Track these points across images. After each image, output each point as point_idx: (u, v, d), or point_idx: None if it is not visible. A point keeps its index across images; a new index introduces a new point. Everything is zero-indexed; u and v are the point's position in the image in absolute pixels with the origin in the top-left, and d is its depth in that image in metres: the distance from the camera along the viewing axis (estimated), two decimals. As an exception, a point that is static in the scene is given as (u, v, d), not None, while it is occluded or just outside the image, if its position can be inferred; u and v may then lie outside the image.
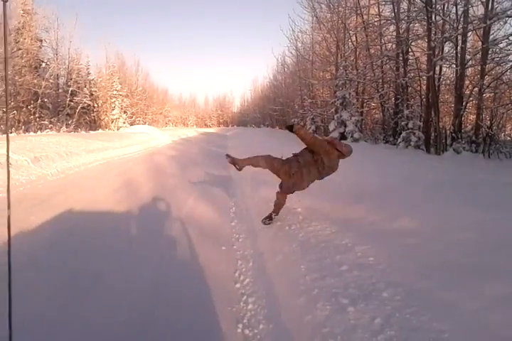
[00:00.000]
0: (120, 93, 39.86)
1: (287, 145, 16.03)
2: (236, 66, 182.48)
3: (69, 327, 2.98)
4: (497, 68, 12.63)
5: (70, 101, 30.65)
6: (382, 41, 18.92)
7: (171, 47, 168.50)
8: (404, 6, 16.68)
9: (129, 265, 4.24)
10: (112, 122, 38.59)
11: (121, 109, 40.39)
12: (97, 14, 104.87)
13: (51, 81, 29.38)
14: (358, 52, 21.40)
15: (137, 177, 10.00)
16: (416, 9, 15.13)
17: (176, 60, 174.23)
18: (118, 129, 37.27)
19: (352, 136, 18.86)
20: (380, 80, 19.39)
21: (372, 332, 2.53)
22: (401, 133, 15.40)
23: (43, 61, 28.45)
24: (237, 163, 5.65)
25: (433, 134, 14.21)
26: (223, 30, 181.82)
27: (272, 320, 3.09)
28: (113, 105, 38.74)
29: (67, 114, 30.49)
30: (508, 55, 11.79)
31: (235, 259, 4.53)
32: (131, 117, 45.12)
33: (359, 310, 2.80)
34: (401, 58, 16.86)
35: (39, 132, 24.23)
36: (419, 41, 16.95)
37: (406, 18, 15.98)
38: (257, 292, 3.62)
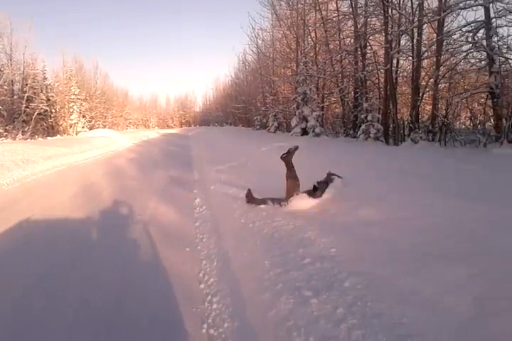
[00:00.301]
0: (78, 97, 38.99)
1: (249, 142, 16.05)
2: (197, 65, 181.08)
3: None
4: (451, 59, 12.96)
5: (26, 107, 29.71)
6: (341, 36, 19.15)
7: (129, 48, 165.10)
8: (361, 0, 16.94)
9: (88, 270, 4.15)
10: (71, 127, 37.64)
11: (80, 113, 39.50)
12: (52, 18, 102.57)
13: (5, 87, 28.52)
14: (317, 48, 21.62)
15: (97, 181, 9.81)
16: (373, 4, 15.42)
17: (135, 60, 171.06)
18: (77, 134, 36.36)
19: (313, 131, 19.03)
20: (340, 75, 19.63)
21: (335, 321, 2.57)
22: (361, 126, 15.64)
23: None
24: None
25: (391, 125, 14.53)
26: (184, 29, 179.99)
27: (237, 318, 3.09)
28: (71, 110, 37.85)
29: (23, 121, 29.51)
30: (461, 46, 12.13)
31: (199, 259, 4.48)
32: (91, 121, 44.04)
33: (322, 301, 2.83)
34: (359, 52, 17.14)
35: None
36: (376, 35, 17.30)
37: (363, 12, 16.27)
38: (221, 291, 3.61)
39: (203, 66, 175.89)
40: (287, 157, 5.86)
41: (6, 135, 26.31)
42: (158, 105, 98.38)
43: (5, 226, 5.78)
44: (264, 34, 30.04)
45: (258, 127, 32.90)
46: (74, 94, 38.22)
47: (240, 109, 43.89)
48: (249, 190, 6.11)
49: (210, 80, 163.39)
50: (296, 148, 5.99)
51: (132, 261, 4.50)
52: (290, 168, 5.83)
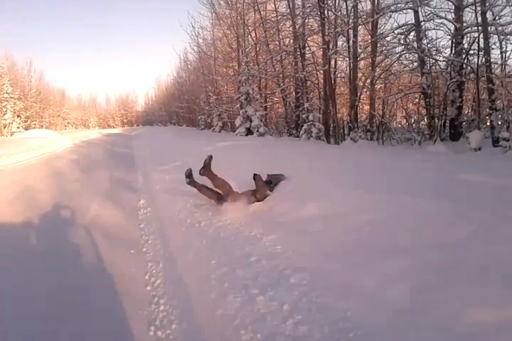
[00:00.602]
0: (12, 96, 37.04)
1: (194, 142, 15.91)
2: (138, 64, 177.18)
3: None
4: (386, 60, 13.49)
5: (-47, 106, 27.93)
6: (280, 36, 19.36)
7: (66, 47, 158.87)
8: (298, 1, 17.21)
9: (26, 276, 3.94)
10: (5, 127, 35.76)
11: (14, 112, 37.57)
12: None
13: None
14: (258, 48, 21.71)
15: (35, 184, 9.35)
16: (310, 5, 15.67)
17: (71, 59, 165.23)
18: (12, 135, 34.60)
19: (258, 131, 19.16)
20: (281, 75, 19.83)
21: (282, 318, 2.63)
22: (303, 126, 15.89)
23: None
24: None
25: (332, 125, 14.87)
26: (123, 26, 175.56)
27: (184, 319, 3.07)
28: (4, 109, 35.91)
29: (-50, 121, 27.76)
30: (394, 47, 12.65)
31: (144, 262, 4.40)
32: (26, 121, 42.08)
33: (268, 298, 2.89)
34: (299, 53, 17.38)
35: None
36: (314, 36, 17.60)
37: (301, 13, 16.51)
38: (168, 292, 3.57)
39: (143, 65, 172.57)
40: (205, 170, 6.11)
41: None
42: (98, 104, 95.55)
43: None
44: (204, 33, 29.88)
45: (203, 127, 32.67)
46: (7, 93, 36.28)
47: (184, 109, 43.39)
48: (190, 169, 6.23)
49: (151, 79, 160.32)
50: (211, 157, 6.25)
51: (74, 264, 4.31)
52: (213, 178, 6.02)
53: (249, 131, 20.03)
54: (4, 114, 35.78)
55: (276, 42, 19.93)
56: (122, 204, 7.15)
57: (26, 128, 39.56)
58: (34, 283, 3.80)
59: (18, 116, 38.79)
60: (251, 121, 19.84)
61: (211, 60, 28.84)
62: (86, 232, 5.38)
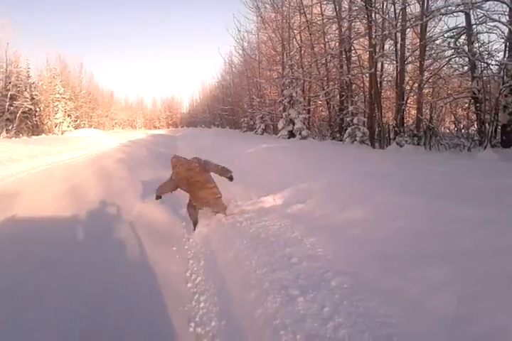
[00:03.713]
0: (63, 96, 38.51)
1: (236, 144, 16.03)
2: (184, 66, 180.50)
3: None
4: (435, 64, 13.10)
5: (10, 105, 29.23)
6: (326, 39, 19.23)
7: (115, 49, 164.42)
8: (345, 5, 17.04)
9: (73, 270, 4.10)
10: (56, 126, 37.22)
11: (65, 112, 39.03)
12: (35, 16, 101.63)
13: (-13, 85, 27.88)
14: (302, 51, 21.66)
15: (83, 181, 9.69)
16: (356, 8, 15.45)
17: (120, 61, 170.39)
18: (62, 133, 35.97)
19: (300, 134, 19.09)
20: (325, 78, 19.71)
21: (322, 320, 2.59)
22: (347, 129, 15.72)
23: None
24: None
25: (377, 129, 14.62)
26: (170, 30, 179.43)
27: (224, 317, 3.10)
28: (56, 109, 37.38)
29: (7, 119, 29.05)
30: (443, 51, 12.28)
31: (186, 259, 4.51)
32: (76, 121, 43.62)
33: (308, 300, 2.85)
34: (344, 56, 17.25)
35: (-24, 138, 23.05)
36: (360, 39, 17.39)
37: (347, 16, 16.32)
38: (208, 290, 3.62)
39: (189, 67, 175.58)
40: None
41: (-10, 133, 25.90)
42: (145, 106, 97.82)
43: None
44: (249, 36, 30.12)
45: (245, 129, 32.88)
46: (58, 93, 37.77)
47: (227, 111, 43.75)
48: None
49: (196, 82, 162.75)
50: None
51: (118, 259, 4.47)
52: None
53: (291, 134, 19.99)
54: (56, 114, 37.24)
55: (322, 45, 19.83)
56: (165, 203, 7.29)
57: (76, 128, 41.06)
58: (81, 276, 3.97)
59: (68, 115, 40.25)
60: (294, 124, 19.79)
61: (255, 63, 29.03)
62: (130, 229, 5.54)
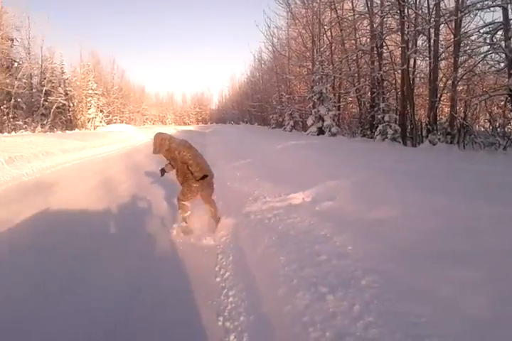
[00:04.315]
0: (96, 92, 39.45)
1: (264, 140, 16.04)
2: (213, 63, 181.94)
3: (47, 330, 2.95)
4: (469, 60, 12.76)
5: (45, 100, 30.12)
6: (357, 35, 18.98)
7: (146, 45, 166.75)
8: (377, 0, 16.78)
9: (107, 262, 4.23)
10: (89, 121, 38.15)
11: (98, 108, 39.97)
12: (69, 12, 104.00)
13: (24, 80, 28.77)
14: (333, 47, 21.49)
15: (115, 175, 9.90)
16: (389, 3, 15.17)
17: (152, 57, 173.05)
18: (95, 128, 36.85)
19: (330, 131, 18.98)
20: (356, 74, 19.46)
21: (352, 318, 2.57)
22: (378, 127, 15.50)
23: (15, 60, 27.93)
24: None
25: (409, 127, 14.37)
26: (200, 27, 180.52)
27: (253, 312, 3.10)
28: (89, 104, 38.36)
29: (42, 114, 29.96)
30: (479, 47, 11.93)
31: (215, 254, 4.54)
32: (108, 116, 44.63)
33: (338, 297, 2.83)
34: (376, 52, 16.94)
35: (13, 133, 23.80)
36: (393, 35, 17.07)
37: (379, 12, 16.03)
38: (237, 285, 3.63)
39: (219, 64, 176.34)
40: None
41: (26, 127, 26.84)
42: (175, 102, 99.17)
43: (27, 216, 5.94)
44: (279, 32, 30.10)
45: (274, 126, 32.87)
46: (91, 89, 38.77)
47: (256, 108, 43.84)
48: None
49: (225, 78, 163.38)
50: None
51: (150, 251, 4.59)
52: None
53: (320, 131, 19.87)
54: (89, 109, 38.22)
55: (353, 41, 19.60)
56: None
57: (108, 123, 42.01)
58: (115, 267, 4.10)
59: (101, 111, 41.24)
60: (323, 121, 19.67)
61: (285, 59, 28.92)
62: (161, 223, 5.67)
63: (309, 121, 20.77)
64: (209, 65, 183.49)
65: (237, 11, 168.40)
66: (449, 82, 13.02)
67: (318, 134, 19.81)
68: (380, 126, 15.16)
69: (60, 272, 3.96)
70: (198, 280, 3.79)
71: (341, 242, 3.90)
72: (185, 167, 5.07)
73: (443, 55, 13.58)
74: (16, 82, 25.80)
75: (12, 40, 28.04)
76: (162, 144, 4.98)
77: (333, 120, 19.48)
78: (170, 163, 5.30)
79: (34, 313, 3.15)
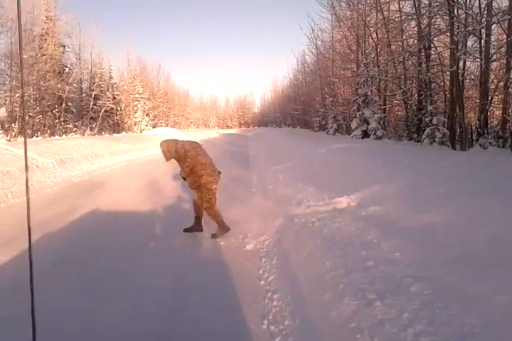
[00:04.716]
0: (142, 96, 40.44)
1: (307, 144, 15.97)
2: (256, 66, 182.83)
3: (94, 325, 3.06)
4: (524, 61, 12.32)
5: (94, 104, 31.14)
6: (404, 37, 18.62)
7: (190, 49, 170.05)
8: (425, 0, 16.37)
9: (152, 263, 4.34)
10: (135, 125, 39.16)
11: (144, 111, 40.98)
12: (116, 18, 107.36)
13: (75, 85, 29.84)
14: (379, 49, 21.18)
15: (160, 177, 10.13)
16: (437, 4, 14.82)
17: (196, 61, 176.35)
18: (141, 132, 37.76)
19: (375, 134, 18.68)
20: (403, 77, 19.11)
21: (401, 326, 2.48)
22: (425, 130, 15.13)
23: (66, 66, 29.02)
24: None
25: (458, 130, 13.98)
26: (243, 31, 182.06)
27: (298, 316, 3.07)
28: (135, 108, 39.37)
29: (91, 118, 30.99)
30: (534, 47, 11.51)
31: (258, 257, 4.55)
32: (154, 120, 45.67)
33: (386, 304, 2.75)
34: (423, 54, 16.59)
35: (64, 135, 24.77)
36: (441, 36, 16.67)
37: (427, 13, 15.67)
38: (281, 288, 3.62)
39: (262, 67, 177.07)
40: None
41: (76, 130, 27.71)
42: (218, 106, 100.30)
43: (78, 216, 6.18)
44: (323, 35, 29.88)
45: (317, 129, 32.71)
46: (138, 93, 39.77)
47: (299, 111, 43.77)
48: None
49: (268, 81, 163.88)
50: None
51: (195, 252, 4.68)
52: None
53: (365, 134, 19.59)
54: (135, 113, 39.24)
55: (399, 42, 19.22)
56: (239, 202, 7.44)
57: (154, 126, 42.92)
58: (161, 267, 4.20)
59: (147, 114, 42.23)
60: (368, 124, 19.40)
61: (329, 61, 28.71)
62: (205, 226, 5.62)
63: (353, 124, 20.54)
64: (252, 68, 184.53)
65: (282, 13, 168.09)
66: (501, 83, 12.63)
67: (362, 137, 19.54)
68: (428, 130, 14.79)
69: (110, 270, 4.10)
70: (241, 283, 3.81)
71: (389, 248, 3.80)
72: (192, 167, 5.13)
73: (495, 56, 13.15)
74: (67, 87, 26.79)
75: (64, 46, 29.15)
76: (170, 149, 5.11)
77: (379, 123, 19.17)
78: (181, 166, 5.31)
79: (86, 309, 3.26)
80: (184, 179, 5.37)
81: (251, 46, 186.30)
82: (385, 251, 3.76)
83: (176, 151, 5.10)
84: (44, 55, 25.35)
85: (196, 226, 5.35)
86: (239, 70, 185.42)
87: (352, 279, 3.24)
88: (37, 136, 22.24)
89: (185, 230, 5.28)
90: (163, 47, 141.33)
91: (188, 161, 5.08)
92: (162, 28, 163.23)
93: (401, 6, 18.75)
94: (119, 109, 35.67)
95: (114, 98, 34.47)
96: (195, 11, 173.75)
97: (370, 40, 21.96)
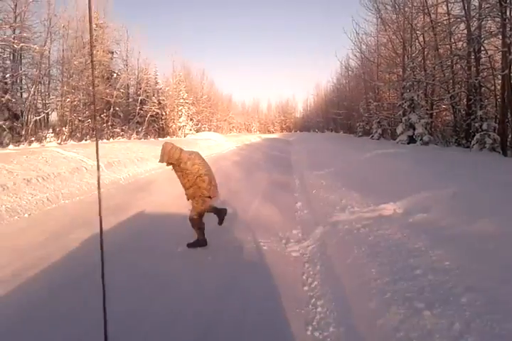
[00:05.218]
0: (186, 101, 41.31)
1: (350, 149, 15.79)
2: (299, 71, 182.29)
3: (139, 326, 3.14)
4: None
5: (140, 109, 32.01)
6: (452, 40, 18.10)
7: (233, 53, 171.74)
8: (475, 2, 15.88)
9: (195, 266, 4.42)
10: (179, 129, 39.95)
11: (188, 116, 41.80)
12: (161, 24, 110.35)
13: (122, 90, 30.72)
14: (425, 53, 20.65)
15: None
16: (488, 5, 14.38)
17: (239, 65, 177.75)
18: (185, 136, 38.50)
19: (421, 139, 18.21)
20: (451, 81, 18.57)
21: (452, 337, 2.42)
22: (474, 136, 14.65)
23: (114, 72, 29.99)
24: None
25: (510, 136, 13.47)
26: (285, 35, 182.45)
27: (343, 323, 3.05)
28: (180, 113, 40.20)
29: (137, 122, 31.87)
30: None
31: (301, 262, 4.55)
32: (197, 124, 46.52)
33: (436, 314, 2.68)
34: (473, 57, 16.07)
35: (111, 139, 25.60)
36: (492, 39, 16.11)
37: (477, 15, 15.22)
38: (325, 295, 3.60)
39: (304, 72, 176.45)
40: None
41: (123, 134, 28.65)
42: (260, 110, 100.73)
43: (124, 218, 6.38)
44: (368, 39, 29.53)
45: (360, 134, 32.30)
46: (182, 98, 40.69)
47: (342, 115, 43.39)
48: None
49: (310, 86, 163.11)
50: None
51: (238, 256, 4.73)
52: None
53: (411, 139, 19.13)
54: (179, 117, 40.07)
55: (447, 46, 18.70)
56: (280, 205, 7.49)
57: (197, 131, 43.72)
58: (205, 270, 4.28)
59: (191, 119, 43.11)
60: (414, 129, 18.94)
61: (374, 65, 28.32)
62: (247, 228, 5.82)
63: (399, 129, 20.11)
64: (295, 73, 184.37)
65: (324, 18, 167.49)
66: (558, 87, 12.05)
67: (408, 143, 19.10)
68: (478, 135, 14.30)
69: (155, 270, 4.22)
70: (285, 288, 3.81)
71: (438, 256, 3.68)
72: (195, 179, 4.92)
73: (551, 59, 12.58)
74: (114, 92, 27.62)
75: (112, 52, 30.19)
76: (172, 153, 4.83)
77: (425, 128, 18.67)
78: (177, 173, 5.11)
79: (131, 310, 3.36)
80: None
81: (293, 50, 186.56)
82: (434, 259, 3.65)
83: (179, 160, 4.89)
84: (93, 61, 26.12)
85: (202, 241, 5.11)
86: (281, 75, 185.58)
87: (399, 287, 3.19)
88: (85, 140, 23.09)
89: (189, 245, 5.05)
90: (207, 51, 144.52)
91: (193, 172, 4.90)
92: (206, 32, 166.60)
93: (449, 9, 18.23)
94: (164, 113, 36.50)
95: (160, 103, 35.31)
96: (238, 16, 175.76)
97: (417, 44, 21.46)
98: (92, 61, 2.35)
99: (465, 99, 17.51)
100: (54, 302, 3.46)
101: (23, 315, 3.27)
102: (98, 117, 26.77)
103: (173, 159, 4.83)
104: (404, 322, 2.70)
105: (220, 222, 5.40)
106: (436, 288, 3.06)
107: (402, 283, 3.25)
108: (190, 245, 5.01)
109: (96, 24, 27.78)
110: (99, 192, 1.63)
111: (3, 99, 17.96)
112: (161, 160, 4.88)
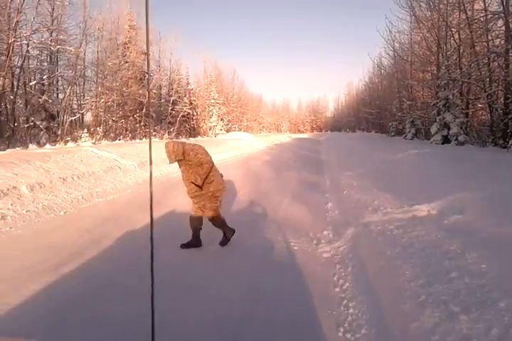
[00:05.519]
0: (217, 101, 41.69)
1: (382, 149, 15.57)
2: (330, 70, 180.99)
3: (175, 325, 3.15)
4: None
5: (172, 110, 32.46)
6: (489, 37, 17.58)
7: (264, 52, 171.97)
8: (514, -3, 15.45)
9: (225, 266, 4.42)
10: (210, 129, 40.38)
11: (218, 116, 42.17)
12: (193, 24, 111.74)
13: (154, 91, 31.29)
14: (461, 51, 20.16)
15: (233, 181, 10.32)
16: (530, 0, 13.96)
17: (269, 64, 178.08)
18: (215, 136, 38.88)
19: (456, 139, 17.82)
20: (488, 79, 18.03)
21: None
22: (513, 135, 14.23)
23: (147, 72, 30.47)
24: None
25: (550, 136, 13.01)
26: (317, 34, 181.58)
27: (375, 325, 3.00)
28: (211, 113, 40.64)
29: (169, 122, 32.35)
30: None
31: (333, 263, 4.50)
32: (228, 124, 46.87)
33: (472, 318, 2.60)
34: (511, 54, 15.62)
35: (144, 139, 26.02)
36: (532, 35, 15.63)
37: (517, 11, 14.80)
38: (357, 296, 3.55)
39: (335, 71, 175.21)
40: None
41: (155, 134, 29.17)
42: (290, 110, 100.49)
43: (157, 216, 6.41)
44: (401, 37, 29.09)
45: (393, 134, 31.83)
46: (213, 99, 41.10)
47: (374, 115, 42.91)
48: None
49: (342, 85, 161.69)
50: None
51: (267, 256, 4.72)
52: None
53: (446, 139, 18.74)
54: (210, 117, 40.52)
55: (484, 43, 18.16)
56: (309, 204, 7.48)
57: (227, 131, 44.11)
58: (234, 270, 4.28)
59: (221, 119, 43.49)
60: (449, 129, 18.56)
61: (407, 64, 27.88)
62: (277, 228, 5.80)
63: (433, 129, 19.72)
64: (325, 71, 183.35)
65: (357, 15, 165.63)
66: None
67: (442, 143, 18.71)
68: (516, 135, 13.88)
69: (189, 269, 4.27)
70: (316, 288, 3.78)
71: (474, 259, 3.58)
72: (200, 171, 4.78)
73: None
74: (147, 93, 28.12)
75: (145, 53, 30.68)
76: (176, 150, 4.65)
77: (461, 128, 18.25)
78: (181, 168, 4.94)
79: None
80: (199, 186, 4.85)
81: (325, 49, 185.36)
82: (470, 262, 3.55)
83: (183, 154, 4.70)
84: (127, 62, 26.76)
85: (195, 241, 5.04)
86: (312, 73, 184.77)
87: (434, 290, 3.12)
88: (119, 139, 23.57)
89: (183, 246, 4.98)
90: (238, 49, 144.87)
91: (205, 166, 4.77)
92: (236, 31, 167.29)
93: (486, 5, 17.73)
94: (195, 113, 36.95)
95: (191, 103, 35.75)
96: (268, 15, 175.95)
97: (452, 41, 20.95)
98: (148, 64, 2.37)
99: (502, 98, 16.99)
100: (93, 298, 3.51)
101: (62, 309, 3.33)
102: (131, 117, 27.28)
103: (179, 155, 4.69)
104: (440, 325, 2.63)
105: (224, 243, 5.11)
106: (473, 292, 2.97)
107: (437, 286, 3.18)
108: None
109: (129, 26, 28.35)
110: (150, 187, 1.70)
111: (40, 99, 18.57)
112: (171, 161, 4.75)
